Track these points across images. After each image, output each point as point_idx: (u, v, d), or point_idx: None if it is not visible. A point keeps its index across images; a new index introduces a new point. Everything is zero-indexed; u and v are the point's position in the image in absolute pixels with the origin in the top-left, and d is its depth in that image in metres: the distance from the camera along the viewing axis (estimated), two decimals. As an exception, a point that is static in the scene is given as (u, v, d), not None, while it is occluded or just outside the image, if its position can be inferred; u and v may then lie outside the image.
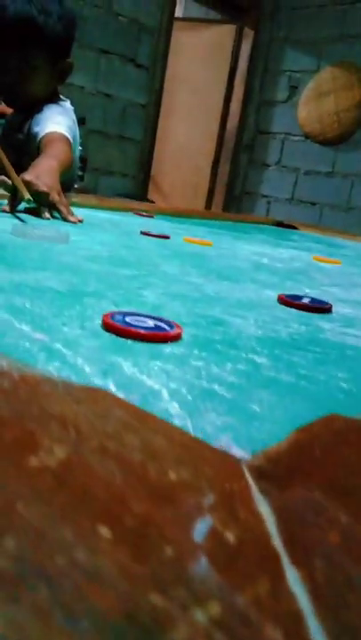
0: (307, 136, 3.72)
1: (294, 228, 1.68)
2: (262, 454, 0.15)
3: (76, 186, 2.53)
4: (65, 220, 0.81)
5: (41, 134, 1.03)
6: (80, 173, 2.47)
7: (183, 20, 3.85)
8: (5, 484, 0.11)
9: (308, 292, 0.58)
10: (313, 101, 3.67)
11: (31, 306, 0.33)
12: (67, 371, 0.24)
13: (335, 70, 3.56)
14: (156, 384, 0.24)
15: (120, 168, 3.11)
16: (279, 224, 1.71)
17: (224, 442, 0.19)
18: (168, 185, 4.00)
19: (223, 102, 3.83)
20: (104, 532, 0.11)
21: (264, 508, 0.14)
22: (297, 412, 0.24)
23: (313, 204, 3.71)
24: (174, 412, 0.21)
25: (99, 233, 0.76)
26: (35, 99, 1.14)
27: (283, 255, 0.90)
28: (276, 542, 0.13)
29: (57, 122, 1.07)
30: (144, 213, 1.19)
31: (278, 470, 0.15)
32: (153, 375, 0.25)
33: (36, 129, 1.07)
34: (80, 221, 0.83)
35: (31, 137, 1.09)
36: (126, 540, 0.11)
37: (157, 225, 1.04)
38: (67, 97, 1.31)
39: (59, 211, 0.82)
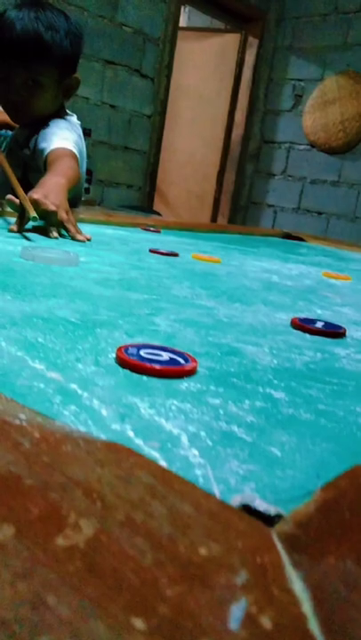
0: (312, 145, 3.72)
1: (302, 240, 1.67)
2: (291, 519, 0.14)
3: (82, 198, 2.54)
4: (73, 238, 0.81)
5: (48, 150, 1.03)
6: (86, 186, 2.49)
7: (187, 29, 3.87)
8: (34, 571, 0.11)
9: (320, 313, 0.57)
10: (318, 110, 3.68)
11: (44, 340, 0.33)
12: (84, 415, 0.23)
13: (340, 79, 3.56)
14: (174, 428, 0.23)
15: (126, 179, 3.12)
16: (287, 236, 1.70)
17: (248, 495, 0.19)
18: (174, 195, 4.01)
19: (228, 112, 3.84)
20: (138, 624, 0.10)
21: (298, 585, 0.13)
22: (319, 454, 0.23)
23: (319, 213, 3.70)
24: (195, 460, 0.21)
25: (108, 252, 0.76)
26: (41, 114, 1.15)
27: (292, 272, 0.89)
28: (313, 625, 0.12)
29: (64, 137, 1.07)
30: (151, 228, 1.19)
31: (309, 537, 0.14)
32: (171, 417, 0.24)
33: (42, 145, 1.07)
34: (88, 240, 0.82)
35: (37, 153, 1.09)
36: (162, 632, 0.10)
37: (165, 241, 1.04)
38: (72, 108, 1.32)
39: (67, 229, 0.82)
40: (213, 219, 4.04)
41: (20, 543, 0.11)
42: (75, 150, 1.05)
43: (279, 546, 0.13)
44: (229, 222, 3.99)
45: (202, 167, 3.97)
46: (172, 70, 3.07)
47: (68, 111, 1.25)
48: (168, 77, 3.07)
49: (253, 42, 3.68)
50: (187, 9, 4.03)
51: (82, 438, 0.17)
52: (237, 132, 3.90)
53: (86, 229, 1.01)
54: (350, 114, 3.57)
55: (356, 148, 3.54)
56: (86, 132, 2.53)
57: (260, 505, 0.19)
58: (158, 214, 3.07)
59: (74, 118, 1.24)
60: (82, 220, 1.11)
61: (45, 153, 1.03)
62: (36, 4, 1.05)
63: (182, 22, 3.71)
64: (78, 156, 1.07)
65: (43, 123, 1.15)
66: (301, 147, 3.76)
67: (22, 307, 0.39)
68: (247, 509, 0.19)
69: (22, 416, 0.18)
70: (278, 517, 0.15)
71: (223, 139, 3.90)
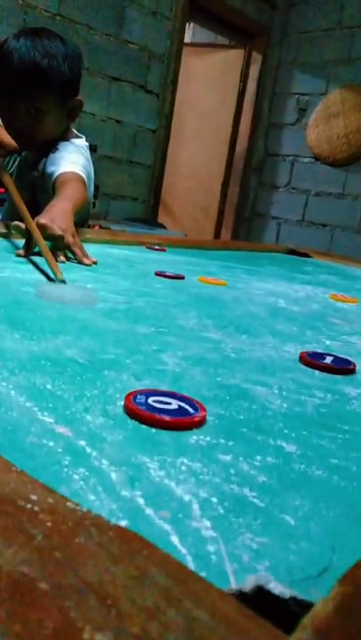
0: (316, 158, 3.73)
1: (308, 256, 1.67)
2: (310, 625, 0.14)
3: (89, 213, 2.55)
4: (80, 262, 0.81)
5: (56, 174, 1.04)
6: (92, 200, 2.49)
7: (192, 45, 3.90)
8: None
9: (328, 344, 0.57)
10: (322, 123, 3.69)
11: (52, 386, 0.32)
12: (93, 479, 0.23)
13: (344, 92, 3.58)
14: (185, 493, 0.23)
15: (131, 192, 3.13)
16: (292, 252, 1.70)
17: (262, 576, 0.18)
18: (178, 208, 4.02)
19: (232, 125, 3.86)
20: None
21: None
22: (333, 520, 0.23)
23: (324, 225, 3.71)
24: (207, 533, 0.20)
25: (114, 277, 0.76)
26: (47, 139, 1.15)
27: (299, 294, 0.89)
28: None
29: (72, 161, 1.08)
30: (156, 247, 1.19)
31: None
32: (181, 480, 0.24)
33: (50, 168, 1.08)
34: (95, 263, 0.82)
35: (46, 176, 1.10)
36: None
37: (170, 261, 1.04)
38: (78, 124, 1.32)
39: (73, 253, 0.82)
40: (217, 231, 4.04)
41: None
42: (82, 174, 1.06)
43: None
44: (233, 234, 4.00)
45: (206, 180, 3.99)
46: (176, 86, 3.09)
47: (76, 132, 1.26)
48: (173, 93, 3.09)
49: (257, 57, 3.71)
50: (191, 25, 4.07)
51: (94, 525, 0.16)
52: (241, 145, 3.91)
53: (92, 249, 1.01)
54: (354, 127, 3.58)
55: (360, 161, 3.55)
56: (92, 148, 2.54)
57: (275, 588, 0.18)
58: (163, 227, 3.08)
59: (82, 141, 1.25)
60: (87, 240, 1.11)
61: (54, 177, 1.04)
62: (34, 33, 1.06)
63: (187, 38, 3.74)
64: (86, 179, 1.07)
65: (51, 146, 1.15)
66: (305, 159, 3.77)
67: (31, 347, 0.39)
68: (261, 591, 0.18)
69: (34, 497, 0.17)
70: (297, 620, 0.14)
71: (227, 152, 3.92)
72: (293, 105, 3.77)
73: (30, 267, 0.72)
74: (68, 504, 0.17)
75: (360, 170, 3.56)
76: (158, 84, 3.04)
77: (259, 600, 0.17)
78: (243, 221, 4.00)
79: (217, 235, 4.05)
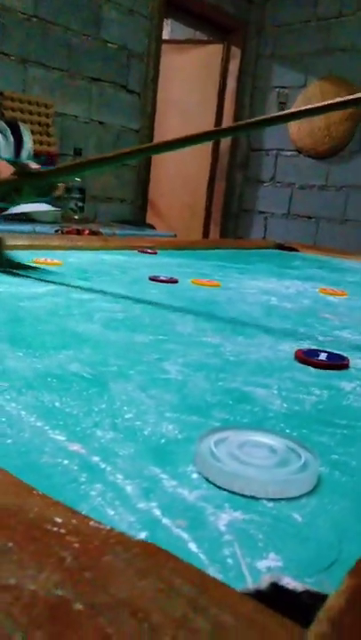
0: (299, 151, 3.75)
1: (295, 250, 1.69)
2: (325, 618, 0.15)
3: (76, 217, 2.55)
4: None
5: None
6: (80, 204, 2.50)
7: (170, 42, 3.90)
8: None
9: (321, 340, 0.58)
10: (303, 116, 3.70)
11: (60, 404, 0.33)
12: (110, 493, 0.24)
13: (323, 84, 3.60)
14: (198, 500, 0.24)
15: (118, 194, 3.14)
16: (280, 247, 1.72)
17: (276, 575, 0.20)
18: (166, 207, 4.02)
19: (215, 121, 3.87)
20: None
21: None
22: (338, 516, 0.24)
23: (309, 217, 3.73)
24: (224, 539, 0.22)
25: (109, 285, 0.77)
26: None
27: (290, 290, 0.90)
28: None
29: None
30: (148, 250, 1.21)
31: (343, 636, 0.15)
32: (193, 485, 0.25)
33: None
34: None
35: None
36: None
37: (163, 264, 1.05)
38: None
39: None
40: (206, 228, 4.06)
41: None
42: None
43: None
44: (221, 230, 4.01)
45: (192, 178, 4.00)
46: (157, 84, 3.09)
47: None
48: (154, 91, 3.10)
49: (236, 52, 3.72)
50: (169, 22, 4.07)
51: (118, 542, 0.17)
52: (225, 141, 3.92)
53: (85, 256, 1.02)
54: (335, 118, 3.60)
55: (343, 152, 3.57)
56: (77, 152, 2.54)
57: (289, 583, 0.19)
58: (152, 227, 3.09)
59: None
60: (80, 248, 1.12)
61: None
62: None
63: (165, 35, 3.74)
64: None
65: None
66: (289, 153, 3.79)
67: (35, 364, 0.40)
68: (276, 588, 0.19)
69: (58, 520, 0.18)
70: (313, 616, 0.15)
71: (211, 148, 3.93)
72: (274, 99, 3.79)
73: (25, 280, 0.73)
74: (92, 523, 0.18)
75: (342, 161, 3.59)
76: (139, 84, 3.04)
77: (275, 597, 0.18)
78: (230, 217, 4.01)
79: (205, 232, 4.06)
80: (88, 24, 2.74)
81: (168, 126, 3.79)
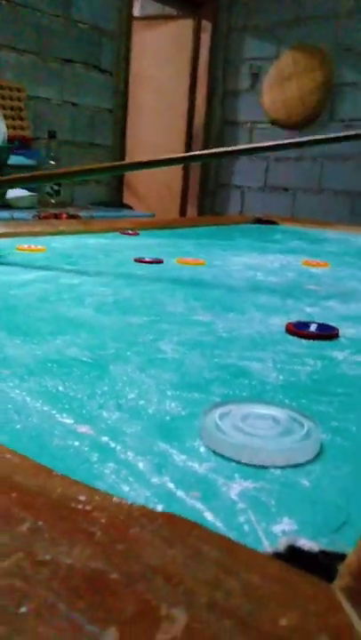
0: (273, 122, 3.73)
1: (274, 222, 1.70)
2: (347, 572, 0.16)
3: (53, 201, 2.51)
4: None
5: None
6: (56, 188, 2.46)
7: (141, 19, 3.82)
8: None
9: (309, 311, 0.60)
10: (276, 87, 3.68)
11: (64, 388, 0.34)
12: (124, 471, 0.25)
13: (295, 54, 3.57)
14: (208, 473, 0.25)
15: (94, 176, 3.10)
16: (259, 221, 1.72)
17: (291, 537, 0.21)
18: (143, 187, 3.99)
19: (188, 97, 3.82)
20: None
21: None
22: (343, 479, 0.25)
23: (286, 189, 3.73)
24: (238, 507, 0.23)
25: (96, 268, 0.77)
26: None
27: (273, 264, 0.91)
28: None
29: None
30: (130, 232, 1.20)
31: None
32: (202, 459, 0.26)
33: None
34: None
35: None
36: None
37: (146, 245, 1.05)
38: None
39: None
40: (183, 206, 4.03)
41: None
42: None
43: (344, 603, 0.15)
44: (199, 207, 3.99)
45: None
46: (129, 62, 3.04)
47: None
48: (127, 69, 3.04)
49: (207, 25, 3.65)
50: (136, -4, 3.97)
51: (142, 515, 0.18)
52: (199, 116, 3.88)
53: (68, 241, 1.02)
54: (308, 88, 3.58)
55: (317, 122, 3.56)
56: (51, 135, 2.50)
57: (305, 545, 0.21)
58: (130, 208, 3.06)
59: None
60: (62, 233, 1.12)
61: None
62: None
63: (135, 12, 3.66)
64: None
65: None
66: (263, 125, 3.76)
67: (33, 351, 0.40)
68: (293, 549, 0.20)
69: (82, 498, 0.19)
70: (336, 571, 0.16)
71: (186, 124, 3.89)
72: (247, 71, 3.75)
73: (12, 268, 0.73)
74: (114, 499, 0.19)
75: (317, 131, 3.58)
76: (111, 63, 2.99)
77: (293, 558, 0.19)
78: (207, 194, 3.99)
79: (183, 210, 4.04)
80: (58, 4, 2.67)
81: (142, 104, 3.74)
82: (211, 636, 0.13)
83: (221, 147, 3.94)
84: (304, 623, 0.14)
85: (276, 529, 0.21)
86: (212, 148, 3.97)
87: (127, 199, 3.48)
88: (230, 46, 3.77)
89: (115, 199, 3.17)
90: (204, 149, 3.89)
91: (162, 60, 3.77)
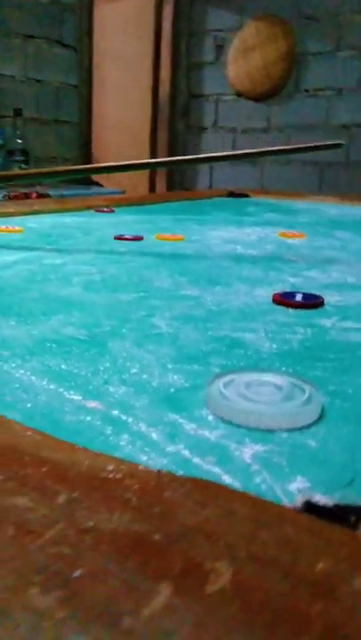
0: (239, 94, 3.70)
1: (246, 195, 1.70)
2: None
3: (20, 181, 2.45)
4: None
5: None
6: (24, 167, 2.41)
7: (98, -12, 3.71)
8: (205, 623, 0.13)
9: (293, 281, 0.61)
10: (240, 58, 3.64)
11: (67, 366, 0.34)
12: (139, 442, 0.26)
13: (258, 24, 3.53)
14: (220, 439, 0.26)
15: (61, 153, 3.04)
16: (231, 194, 1.73)
17: (307, 494, 0.22)
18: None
19: (153, 70, 3.75)
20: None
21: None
22: (347, 438, 0.27)
23: (253, 161, 3.72)
24: (253, 469, 0.24)
25: (78, 247, 0.76)
26: None
27: (251, 237, 0.92)
28: None
29: None
30: (105, 209, 1.19)
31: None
32: (211, 426, 0.27)
33: None
34: None
35: None
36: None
37: (123, 222, 1.05)
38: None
39: None
40: (152, 181, 3.99)
41: (179, 599, 0.14)
42: None
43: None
44: (168, 182, 3.96)
45: (134, 130, 3.89)
46: (92, 36, 2.96)
47: None
48: (90, 44, 2.96)
49: (168, -6, 3.57)
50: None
51: (171, 480, 0.19)
52: (164, 89, 3.82)
53: (44, 220, 1.01)
54: (272, 58, 3.56)
55: (283, 93, 3.55)
56: (17, 113, 2.43)
57: (320, 500, 0.22)
58: (100, 185, 3.02)
59: None
60: (36, 212, 1.10)
61: None
62: None
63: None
64: None
65: None
66: (229, 97, 3.73)
67: (30, 331, 0.40)
68: (310, 504, 0.22)
69: (110, 467, 0.20)
70: (357, 520, 0.18)
71: (151, 98, 3.82)
72: (211, 43, 3.69)
73: (-9, 250, 0.72)
74: (140, 467, 0.20)
75: (283, 102, 3.57)
76: (74, 37, 2.91)
77: (312, 512, 0.20)
78: (176, 168, 3.96)
79: (152, 185, 4.00)
80: (16, -22, 2.57)
81: (107, 79, 3.65)
82: (256, 584, 0.14)
83: (188, 121, 3.90)
84: (338, 567, 0.15)
85: (292, 487, 0.22)
86: (177, 122, 3.92)
87: (96, 176, 3.42)
88: (193, 18, 3.70)
89: (83, 176, 3.11)
90: (169, 124, 3.85)
91: (125, 33, 3.68)
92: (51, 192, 2.32)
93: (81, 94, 2.99)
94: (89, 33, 2.97)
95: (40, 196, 2.18)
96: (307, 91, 3.48)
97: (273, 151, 0.74)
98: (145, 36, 3.66)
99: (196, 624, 0.13)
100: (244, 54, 3.63)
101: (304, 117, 3.47)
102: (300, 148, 0.76)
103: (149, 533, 0.16)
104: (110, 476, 0.19)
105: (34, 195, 2.13)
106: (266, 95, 3.66)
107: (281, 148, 0.70)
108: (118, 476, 0.19)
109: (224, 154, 0.98)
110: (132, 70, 3.73)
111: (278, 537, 0.16)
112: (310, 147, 0.84)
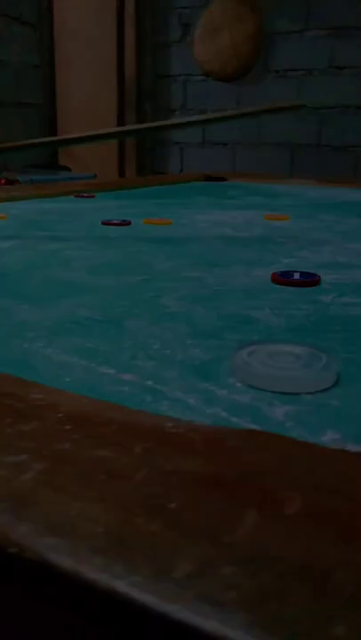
0: (207, 74, 3.69)
1: (224, 179, 1.72)
2: None
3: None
4: None
5: None
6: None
7: (58, -34, 3.62)
8: (293, 537, 0.16)
9: (287, 262, 0.64)
10: (208, 38, 3.62)
11: (92, 345, 0.36)
12: (179, 405, 0.28)
13: (225, 2, 3.51)
14: (252, 401, 0.29)
15: (25, 136, 2.99)
16: (209, 178, 1.74)
17: (340, 444, 0.25)
18: (77, 147, 3.87)
19: (117, 50, 3.70)
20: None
21: None
22: (362, 399, 0.30)
23: (225, 144, 3.73)
24: (287, 425, 0.26)
25: (68, 233, 0.77)
26: None
27: (238, 220, 0.94)
28: None
29: None
30: (85, 195, 1.20)
31: None
32: (241, 392, 0.30)
33: None
34: None
35: None
36: None
37: (106, 207, 1.05)
38: None
39: None
40: (121, 165, 3.96)
41: (265, 519, 0.16)
42: None
43: None
44: (138, 166, 3.94)
45: (100, 112, 3.84)
46: (53, 14, 2.90)
47: None
48: (50, 22, 2.91)
49: (132, -28, 3.51)
50: None
51: (228, 432, 0.21)
52: (129, 69, 3.77)
53: (26, 207, 1.01)
54: (240, 37, 3.55)
55: (252, 73, 3.56)
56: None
57: (353, 449, 0.25)
58: (68, 169, 2.99)
59: None
60: (15, 198, 1.10)
61: None
62: None
63: None
64: None
65: None
66: (198, 78, 3.72)
67: (46, 314, 0.42)
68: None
69: (169, 424, 0.22)
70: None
71: (117, 79, 3.78)
72: (176, 21, 3.66)
73: (-16, 236, 0.72)
74: (196, 423, 0.22)
75: (252, 82, 3.58)
76: (34, 15, 2.84)
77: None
78: (145, 151, 3.94)
79: (121, 169, 3.97)
80: None
81: (70, 59, 3.58)
82: (327, 510, 0.17)
83: (154, 101, 3.87)
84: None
85: (326, 439, 0.25)
86: (145, 104, 3.89)
87: (63, 160, 3.39)
88: (159, -5, 3.66)
89: (50, 160, 3.08)
90: (137, 106, 3.82)
91: (86, 11, 3.61)
92: (19, 177, 2.29)
93: (44, 75, 2.94)
94: (49, 9, 2.90)
95: (9, 182, 2.16)
96: (277, 71, 3.50)
97: (240, 114, 0.76)
98: (107, 13, 3.60)
99: (285, 537, 0.15)
100: (212, 34, 3.61)
101: (274, 98, 3.49)
102: (265, 110, 0.79)
103: (223, 474, 0.18)
104: (173, 430, 0.21)
105: (2, 181, 2.10)
106: (235, 76, 3.66)
107: (246, 110, 0.73)
108: (180, 430, 0.21)
109: (193, 118, 1.01)
110: (95, 49, 3.67)
111: (335, 471, 0.18)
112: (275, 108, 0.87)
